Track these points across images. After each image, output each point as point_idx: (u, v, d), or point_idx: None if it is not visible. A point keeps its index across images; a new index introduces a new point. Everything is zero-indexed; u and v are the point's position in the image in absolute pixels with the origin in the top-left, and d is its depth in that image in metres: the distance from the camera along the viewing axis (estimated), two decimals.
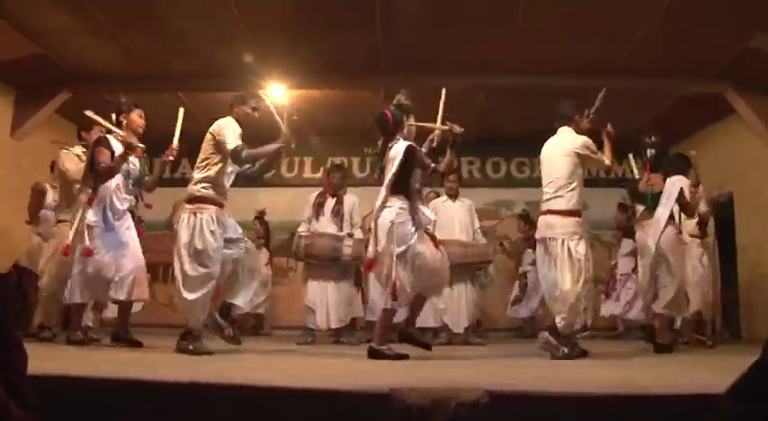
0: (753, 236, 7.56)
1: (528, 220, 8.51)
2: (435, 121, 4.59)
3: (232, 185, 4.49)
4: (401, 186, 4.19)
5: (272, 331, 8.11)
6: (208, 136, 4.40)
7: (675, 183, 5.45)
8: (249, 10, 5.83)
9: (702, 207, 6.07)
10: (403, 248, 4.08)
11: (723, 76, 6.82)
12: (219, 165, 4.34)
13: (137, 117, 4.82)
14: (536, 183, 9.30)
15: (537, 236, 4.71)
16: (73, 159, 5.22)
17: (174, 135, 4.78)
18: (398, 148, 4.20)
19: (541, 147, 4.79)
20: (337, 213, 6.30)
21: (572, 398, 2.23)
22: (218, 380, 2.42)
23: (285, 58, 6.63)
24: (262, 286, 7.37)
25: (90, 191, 4.57)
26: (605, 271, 7.87)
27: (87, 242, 4.49)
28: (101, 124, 4.68)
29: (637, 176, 5.97)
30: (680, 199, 5.35)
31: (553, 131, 4.81)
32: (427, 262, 4.12)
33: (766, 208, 7.22)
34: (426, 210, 4.47)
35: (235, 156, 4.26)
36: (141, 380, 2.45)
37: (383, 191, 4.20)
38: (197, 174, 4.36)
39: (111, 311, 5.42)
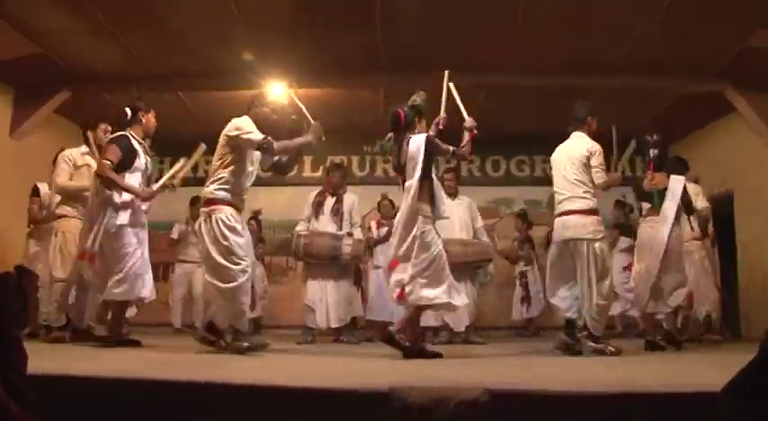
0: (753, 234, 7.56)
1: (525, 219, 8.52)
2: (440, 108, 4.57)
3: (270, 172, 4.52)
4: (425, 179, 4.20)
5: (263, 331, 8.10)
6: (222, 137, 4.38)
7: (679, 181, 5.51)
8: (249, 10, 5.82)
9: (702, 203, 6.10)
10: (428, 253, 4.12)
11: (723, 74, 6.82)
12: (234, 165, 4.31)
13: (152, 118, 4.79)
14: (536, 181, 9.51)
15: (555, 237, 4.78)
16: (65, 171, 5.18)
17: (185, 166, 4.87)
18: (418, 141, 4.21)
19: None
20: (337, 212, 6.29)
21: (572, 397, 2.23)
22: (218, 379, 2.42)
23: (285, 56, 6.63)
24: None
25: (108, 191, 4.51)
26: None
27: (125, 242, 4.47)
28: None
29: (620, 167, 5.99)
30: (684, 196, 5.42)
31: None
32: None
33: (766, 206, 7.22)
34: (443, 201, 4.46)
35: (265, 148, 4.26)
36: (141, 380, 2.45)
37: (414, 185, 4.16)
38: (212, 178, 4.33)
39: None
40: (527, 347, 5.69)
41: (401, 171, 4.33)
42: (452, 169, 6.76)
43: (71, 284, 4.90)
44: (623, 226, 7.61)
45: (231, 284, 4.13)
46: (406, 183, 4.23)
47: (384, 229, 7.13)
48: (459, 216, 6.42)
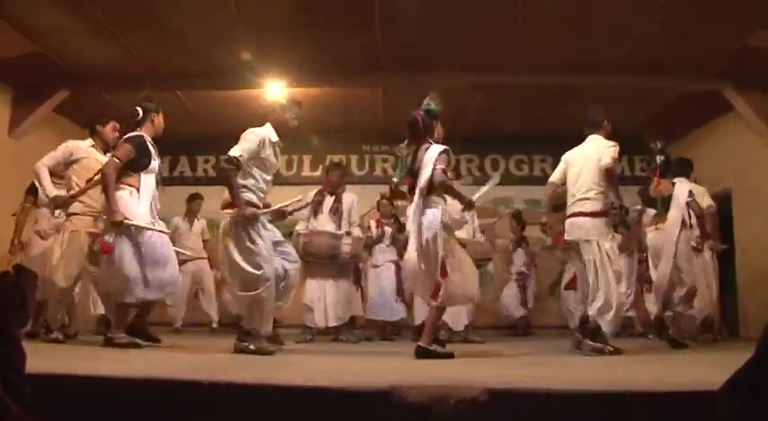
0: (751, 234, 7.56)
1: (520, 220, 8.53)
2: None
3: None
4: (435, 190, 4.22)
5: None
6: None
7: (683, 187, 5.57)
8: (249, 10, 5.82)
9: (707, 201, 6.13)
10: (450, 247, 4.15)
11: (722, 74, 6.82)
12: (255, 174, 4.27)
13: (161, 119, 4.75)
14: (535, 180, 9.51)
15: (567, 237, 4.82)
16: (53, 159, 5.07)
17: None
18: (434, 152, 4.21)
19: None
20: (336, 211, 6.28)
21: (571, 397, 2.24)
22: (218, 379, 2.42)
23: (284, 56, 6.63)
24: None
25: (131, 188, 4.48)
26: None
27: (145, 241, 4.42)
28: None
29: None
30: (690, 200, 5.48)
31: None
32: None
33: (765, 206, 7.23)
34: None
35: (224, 161, 4.18)
36: (141, 380, 2.44)
37: (418, 193, 4.20)
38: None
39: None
40: (526, 346, 5.69)
41: (413, 176, 4.32)
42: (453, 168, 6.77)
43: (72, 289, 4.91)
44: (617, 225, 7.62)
45: (251, 293, 4.13)
46: (417, 188, 4.24)
47: (383, 229, 7.14)
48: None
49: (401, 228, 7.24)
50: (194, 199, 8.08)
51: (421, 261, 4.16)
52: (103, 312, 5.32)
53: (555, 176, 5.05)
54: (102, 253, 4.41)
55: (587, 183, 4.69)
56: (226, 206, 4.30)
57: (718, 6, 5.52)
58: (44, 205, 5.69)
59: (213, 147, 9.22)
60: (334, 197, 6.35)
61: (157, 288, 4.49)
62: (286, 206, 4.71)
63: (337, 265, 6.23)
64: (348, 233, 6.24)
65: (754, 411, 1.42)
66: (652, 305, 6.61)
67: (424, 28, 6.17)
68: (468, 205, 4.43)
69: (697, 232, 5.74)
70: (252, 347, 4.07)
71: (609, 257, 4.56)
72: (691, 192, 5.59)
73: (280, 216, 4.74)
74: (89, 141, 5.22)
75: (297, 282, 4.62)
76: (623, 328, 7.62)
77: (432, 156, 4.19)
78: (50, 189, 5.02)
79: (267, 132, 4.34)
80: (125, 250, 4.38)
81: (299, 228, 6.28)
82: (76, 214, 4.99)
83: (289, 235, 5.72)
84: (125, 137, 4.60)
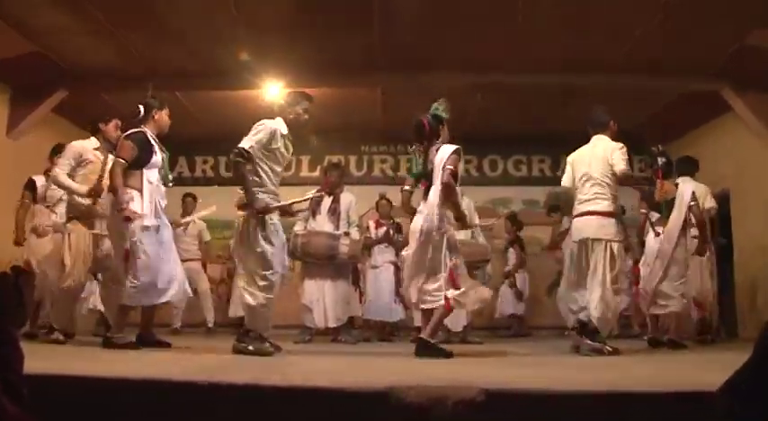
0: (749, 233, 7.57)
1: (515, 221, 8.55)
2: None
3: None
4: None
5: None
6: None
7: (686, 187, 5.57)
8: (248, 10, 5.82)
9: (710, 202, 6.15)
10: (455, 254, 4.20)
11: (720, 74, 6.83)
12: (265, 167, 4.26)
13: (166, 116, 4.73)
14: (533, 181, 9.51)
15: (574, 237, 4.81)
16: (65, 165, 4.96)
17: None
18: (445, 152, 4.24)
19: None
20: (334, 212, 6.28)
21: (569, 397, 2.24)
22: (218, 380, 2.42)
23: (283, 56, 6.63)
24: None
25: (133, 191, 4.44)
26: None
27: (147, 244, 4.40)
28: None
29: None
30: (692, 202, 5.49)
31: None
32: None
33: (763, 206, 7.24)
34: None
35: (233, 155, 4.17)
36: (141, 380, 2.44)
37: (433, 194, 4.24)
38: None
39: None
40: (524, 347, 5.70)
41: (428, 178, 4.35)
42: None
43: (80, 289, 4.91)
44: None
45: (253, 300, 4.12)
46: (431, 189, 4.28)
47: (383, 230, 7.14)
48: None
49: (399, 228, 7.25)
50: (188, 199, 8.06)
51: (425, 259, 4.20)
52: (102, 310, 5.31)
53: (567, 181, 5.00)
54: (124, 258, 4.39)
55: (597, 183, 4.68)
56: (241, 207, 4.28)
57: (718, 6, 5.52)
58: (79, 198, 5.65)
59: (212, 148, 9.24)
60: (332, 197, 6.34)
61: (160, 291, 4.49)
62: (289, 205, 4.69)
63: (335, 266, 6.22)
64: (346, 233, 6.23)
65: (753, 412, 1.42)
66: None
67: (424, 28, 6.17)
68: (461, 221, 4.39)
69: (694, 232, 5.73)
70: (251, 348, 4.07)
71: (615, 259, 4.56)
72: (694, 193, 5.60)
73: (285, 213, 4.71)
74: (94, 142, 5.08)
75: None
76: (622, 329, 7.64)
77: (443, 156, 4.23)
78: (79, 187, 4.93)
79: (278, 125, 4.32)
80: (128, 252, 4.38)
81: (298, 228, 6.28)
82: (78, 217, 4.95)
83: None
84: (125, 134, 4.57)
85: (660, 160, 5.59)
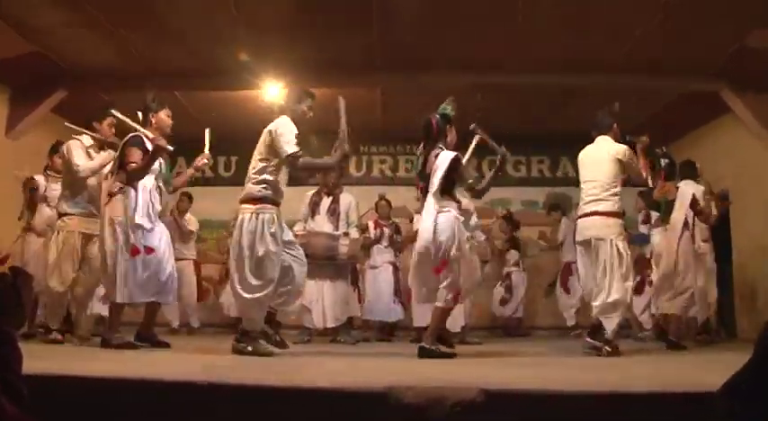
0: (748, 233, 7.57)
1: (511, 222, 8.55)
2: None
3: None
4: (447, 193, 4.27)
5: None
6: (265, 136, 4.25)
7: (687, 189, 5.57)
8: (248, 10, 5.82)
9: (714, 210, 6.15)
10: (461, 251, 4.18)
11: (719, 74, 6.83)
12: (277, 167, 4.25)
13: (165, 116, 4.72)
14: (532, 182, 9.49)
15: (578, 238, 4.83)
16: (81, 155, 4.93)
17: (205, 146, 4.92)
18: (445, 158, 4.25)
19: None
20: (333, 212, 6.28)
21: (568, 397, 2.23)
22: (218, 380, 2.42)
23: (283, 56, 6.62)
24: None
25: (119, 186, 4.46)
26: None
27: (140, 241, 4.42)
28: (129, 125, 4.55)
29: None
30: (693, 204, 5.48)
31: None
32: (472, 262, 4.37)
33: (762, 206, 7.24)
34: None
35: (292, 163, 4.17)
36: (141, 380, 2.44)
37: (431, 197, 4.25)
38: (255, 175, 4.23)
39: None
40: (522, 347, 5.70)
41: (426, 180, 4.35)
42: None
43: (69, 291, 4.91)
44: None
45: (248, 296, 4.10)
46: (428, 195, 4.29)
47: (385, 230, 7.14)
48: None
49: (398, 229, 7.26)
50: (182, 198, 8.03)
51: (428, 262, 4.20)
52: (102, 313, 5.30)
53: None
54: (133, 255, 4.40)
55: (600, 183, 4.69)
56: (243, 200, 4.27)
57: (718, 6, 5.52)
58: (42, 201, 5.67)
59: (211, 148, 9.21)
60: (331, 198, 6.34)
61: (154, 290, 4.50)
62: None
63: (334, 266, 6.22)
64: (346, 234, 6.23)
65: (753, 412, 1.42)
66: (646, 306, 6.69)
67: (424, 28, 6.16)
68: (471, 191, 4.49)
69: (697, 233, 5.73)
70: (250, 348, 4.06)
71: (620, 257, 4.57)
72: (694, 195, 5.61)
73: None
74: (87, 140, 5.04)
75: (303, 287, 4.53)
76: (622, 329, 7.65)
77: (442, 162, 4.23)
78: (105, 156, 4.92)
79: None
80: (118, 250, 4.40)
81: (297, 228, 6.26)
82: (70, 215, 4.93)
83: None
84: (125, 141, 4.57)
85: (663, 161, 5.60)
